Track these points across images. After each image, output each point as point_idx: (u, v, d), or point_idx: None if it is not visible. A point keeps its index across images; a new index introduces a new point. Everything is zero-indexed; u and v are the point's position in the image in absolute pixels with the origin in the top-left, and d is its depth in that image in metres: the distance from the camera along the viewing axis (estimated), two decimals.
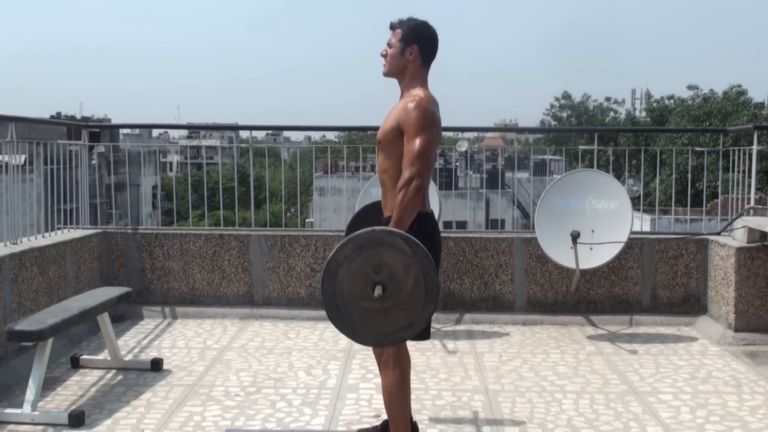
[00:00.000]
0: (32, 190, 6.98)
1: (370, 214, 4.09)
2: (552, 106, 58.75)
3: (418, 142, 3.56)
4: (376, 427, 4.14)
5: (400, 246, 3.30)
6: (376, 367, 5.39)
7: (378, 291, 3.28)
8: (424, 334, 3.76)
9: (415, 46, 3.74)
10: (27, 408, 4.35)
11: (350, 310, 3.36)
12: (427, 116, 3.62)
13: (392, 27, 3.81)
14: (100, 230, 7.13)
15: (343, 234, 6.99)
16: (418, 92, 3.71)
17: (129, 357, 5.68)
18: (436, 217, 6.44)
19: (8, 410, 4.40)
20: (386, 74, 3.83)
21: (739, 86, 37.37)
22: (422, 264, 3.31)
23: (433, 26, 3.86)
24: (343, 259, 3.32)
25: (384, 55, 3.82)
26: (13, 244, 5.80)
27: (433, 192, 6.60)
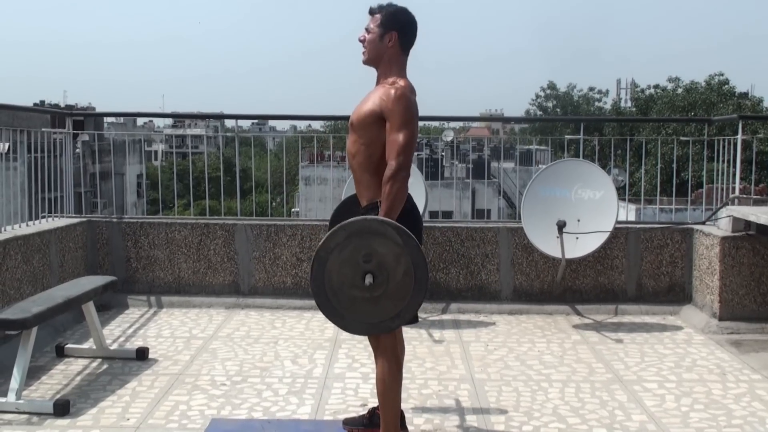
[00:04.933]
0: (16, 178, 6.92)
1: (352, 207, 4.07)
2: (537, 96, 58.92)
3: (403, 134, 3.53)
4: (363, 415, 4.14)
5: (391, 236, 3.30)
6: (362, 357, 5.42)
7: (369, 279, 3.27)
8: (412, 318, 3.74)
9: (395, 33, 3.69)
10: (11, 397, 4.32)
11: (339, 298, 3.35)
12: (411, 108, 3.60)
13: (371, 12, 3.76)
14: (84, 219, 7.09)
15: (327, 224, 6.99)
16: (398, 80, 3.66)
17: (114, 346, 5.65)
18: (422, 207, 6.46)
19: None
20: (366, 62, 3.78)
21: (722, 74, 37.56)
22: (413, 254, 3.30)
23: (413, 12, 3.79)
24: (334, 246, 3.31)
25: (362, 41, 3.76)
26: None
27: (419, 182, 6.60)
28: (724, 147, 7.14)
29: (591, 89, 59.19)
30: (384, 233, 3.30)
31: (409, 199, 3.79)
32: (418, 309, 3.50)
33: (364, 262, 3.30)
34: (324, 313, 3.42)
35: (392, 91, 3.59)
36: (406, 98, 3.59)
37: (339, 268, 3.31)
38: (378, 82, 3.76)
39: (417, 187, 6.59)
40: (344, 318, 3.42)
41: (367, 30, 3.74)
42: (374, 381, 4.70)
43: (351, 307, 3.37)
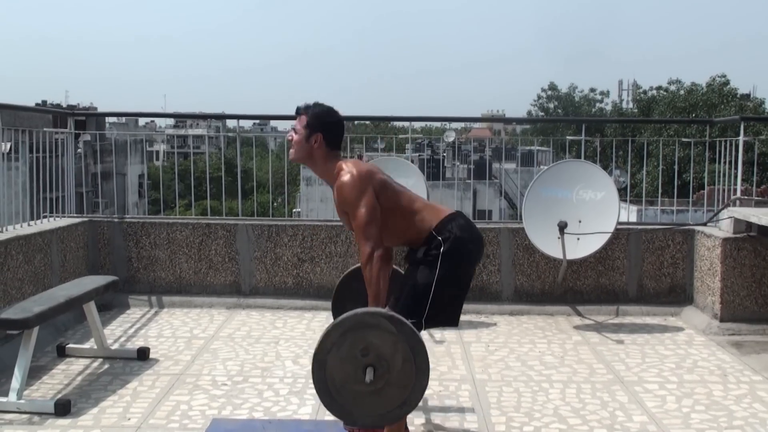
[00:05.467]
0: (17, 178, 6.92)
1: (352, 282, 4.17)
2: (539, 97, 58.91)
3: (360, 213, 3.60)
4: None
5: (384, 326, 3.32)
6: None
7: (369, 375, 3.28)
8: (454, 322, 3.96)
9: (320, 135, 3.77)
10: (12, 396, 4.32)
11: (343, 396, 3.36)
12: (355, 182, 3.65)
13: (297, 112, 3.86)
14: (86, 219, 7.10)
15: (329, 224, 7.01)
16: (337, 167, 3.75)
17: (115, 346, 5.66)
18: None
19: None
20: (293, 161, 3.91)
21: (723, 76, 37.55)
22: (409, 341, 3.32)
23: (338, 112, 3.89)
24: (331, 346, 3.33)
25: (290, 140, 3.87)
26: None
27: (421, 182, 6.61)
28: (725, 148, 7.14)
29: (592, 90, 59.20)
30: (377, 325, 3.33)
31: (461, 215, 3.87)
32: (423, 393, 3.52)
33: (363, 356, 3.32)
34: (331, 412, 3.44)
35: (337, 184, 3.71)
36: (348, 179, 3.65)
37: (339, 366, 3.33)
38: (322, 177, 3.90)
39: (419, 188, 6.60)
40: (352, 414, 3.43)
41: (295, 130, 3.84)
42: None
43: (357, 402, 3.38)
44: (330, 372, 3.32)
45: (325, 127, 3.79)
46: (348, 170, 3.69)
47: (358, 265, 3.90)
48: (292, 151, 3.85)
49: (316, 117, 3.79)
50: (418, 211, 3.79)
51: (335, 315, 4.29)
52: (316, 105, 3.85)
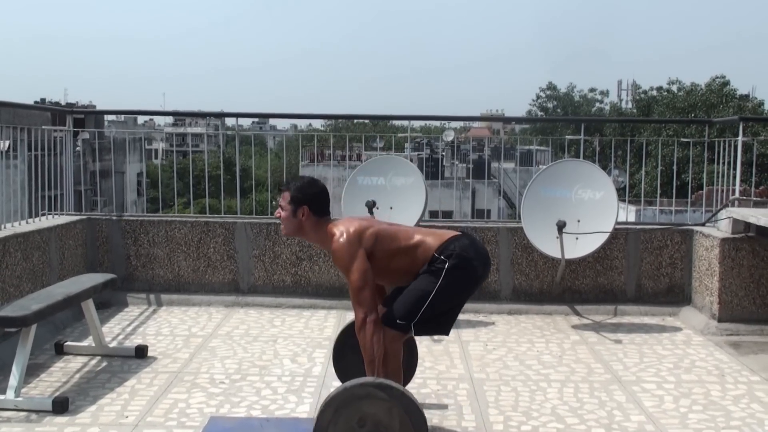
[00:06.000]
0: (16, 176, 6.92)
1: (349, 339, 4.19)
2: (538, 97, 58.93)
3: (351, 279, 3.73)
4: None
5: (375, 394, 3.38)
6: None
7: None
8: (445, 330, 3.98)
9: (305, 207, 3.87)
10: (10, 394, 4.32)
11: None
12: (344, 247, 3.75)
13: (280, 189, 3.98)
14: (84, 217, 7.10)
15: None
16: (329, 233, 3.85)
17: (113, 344, 5.66)
18: (422, 207, 6.46)
19: None
20: (285, 235, 4.11)
21: (723, 77, 37.59)
22: (402, 404, 3.38)
23: (319, 181, 4.01)
24: (327, 424, 3.38)
25: (279, 217, 3.97)
26: None
27: (420, 182, 6.60)
28: (724, 149, 7.14)
29: (592, 90, 59.23)
30: (368, 394, 3.40)
31: (465, 236, 3.93)
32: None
33: (360, 427, 3.39)
34: None
35: (332, 249, 3.82)
36: (337, 245, 3.77)
37: None
38: (321, 246, 4.04)
39: (417, 187, 6.61)
40: None
41: (281, 207, 3.94)
42: None
43: None
44: None
45: (309, 199, 3.89)
46: (338, 236, 3.79)
47: (351, 320, 4.00)
48: (282, 227, 3.98)
49: (299, 190, 3.91)
50: (419, 243, 3.87)
51: (338, 371, 4.40)
52: (297, 178, 3.99)
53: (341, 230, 3.80)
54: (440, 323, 3.92)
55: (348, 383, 3.47)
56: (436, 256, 3.79)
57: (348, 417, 3.38)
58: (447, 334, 4.01)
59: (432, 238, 3.88)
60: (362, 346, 3.69)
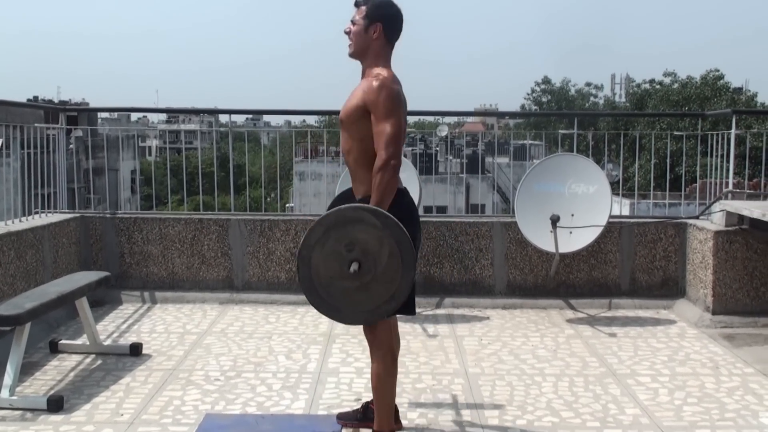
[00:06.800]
0: (9, 174, 6.90)
1: (345, 201, 4.06)
2: (533, 91, 58.91)
3: (389, 123, 3.53)
4: (357, 410, 4.14)
5: (368, 220, 3.27)
6: (356, 352, 5.42)
7: (354, 267, 3.24)
8: (409, 309, 3.72)
9: (379, 24, 3.68)
10: (5, 393, 4.31)
11: (330, 293, 3.33)
12: (395, 97, 3.59)
13: (356, 4, 3.75)
14: (78, 215, 7.08)
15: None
16: (381, 71, 3.66)
17: (108, 342, 5.65)
18: (417, 202, 6.46)
19: None
20: (352, 55, 3.77)
21: (717, 70, 37.66)
22: (394, 234, 3.27)
23: (398, 4, 3.78)
24: (315, 242, 3.29)
25: (348, 33, 3.75)
26: None
27: (413, 177, 6.60)
28: (717, 142, 7.15)
29: (587, 84, 59.26)
30: (361, 219, 3.28)
31: (406, 194, 3.78)
32: (413, 291, 3.48)
33: (348, 252, 3.28)
34: (319, 311, 3.41)
35: (374, 83, 3.59)
36: (388, 88, 3.58)
37: (324, 262, 3.29)
38: (363, 76, 3.76)
39: (411, 182, 6.59)
40: (340, 311, 3.41)
41: (353, 22, 3.74)
42: (368, 376, 4.70)
43: (344, 298, 3.36)
44: (315, 269, 3.30)
45: (386, 18, 3.71)
46: (392, 81, 3.63)
47: (348, 188, 3.85)
48: (350, 43, 3.75)
49: (377, 7, 3.70)
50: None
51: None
52: None
53: (397, 80, 3.67)
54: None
55: (343, 206, 3.38)
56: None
57: (337, 238, 3.28)
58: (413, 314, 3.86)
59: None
60: (375, 187, 3.49)
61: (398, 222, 3.31)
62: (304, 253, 3.29)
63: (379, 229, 3.27)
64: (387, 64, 3.73)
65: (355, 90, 3.72)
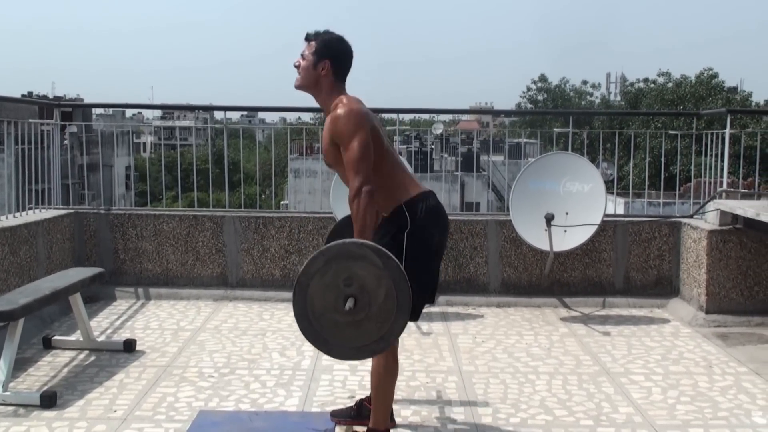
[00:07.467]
0: (3, 169, 6.89)
1: (346, 228, 4.04)
2: (529, 89, 58.88)
3: (353, 147, 3.50)
4: (351, 407, 4.14)
5: (370, 258, 3.27)
6: None
7: (349, 304, 3.23)
8: (413, 316, 3.66)
9: (328, 62, 3.67)
10: None
11: (321, 324, 3.32)
12: (354, 117, 3.55)
13: (307, 38, 3.74)
14: (72, 210, 7.07)
15: (316, 216, 7.01)
16: (338, 100, 3.65)
17: (102, 338, 5.64)
18: None
19: None
20: (298, 87, 3.77)
21: (711, 69, 37.74)
22: (393, 276, 3.27)
23: (348, 42, 3.77)
24: (315, 272, 3.28)
25: (297, 66, 3.74)
26: None
27: None
28: (712, 141, 7.17)
29: (584, 83, 59.25)
30: (363, 256, 3.28)
31: (420, 201, 3.72)
32: (402, 331, 3.45)
33: (345, 286, 3.27)
34: (307, 339, 3.39)
35: (335, 113, 3.59)
36: (347, 112, 3.56)
37: (321, 293, 3.28)
38: (325, 113, 3.75)
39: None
40: (328, 343, 3.39)
41: (302, 56, 3.73)
42: (362, 373, 4.71)
43: (334, 331, 3.34)
44: (311, 298, 3.29)
45: (334, 55, 3.70)
46: (348, 104, 3.60)
47: (348, 215, 3.81)
48: (297, 77, 3.74)
49: (327, 44, 3.69)
50: (396, 178, 3.72)
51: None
52: (326, 32, 3.74)
53: (353, 102, 3.64)
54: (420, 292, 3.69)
55: (347, 240, 3.37)
56: (402, 210, 3.64)
57: (337, 271, 3.27)
58: (432, 302, 3.92)
59: (409, 182, 3.74)
60: (354, 216, 3.49)
61: (399, 265, 3.30)
62: (302, 280, 3.29)
63: (380, 269, 3.27)
64: (342, 92, 3.72)
65: (325, 129, 3.71)
